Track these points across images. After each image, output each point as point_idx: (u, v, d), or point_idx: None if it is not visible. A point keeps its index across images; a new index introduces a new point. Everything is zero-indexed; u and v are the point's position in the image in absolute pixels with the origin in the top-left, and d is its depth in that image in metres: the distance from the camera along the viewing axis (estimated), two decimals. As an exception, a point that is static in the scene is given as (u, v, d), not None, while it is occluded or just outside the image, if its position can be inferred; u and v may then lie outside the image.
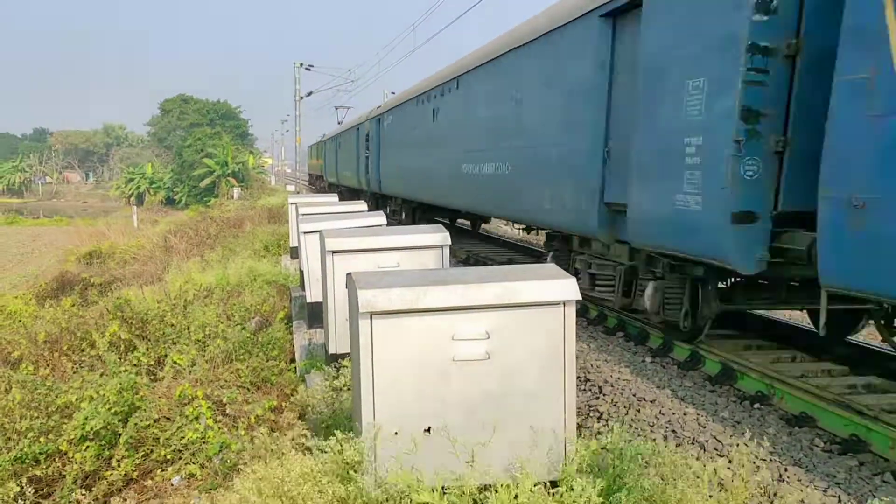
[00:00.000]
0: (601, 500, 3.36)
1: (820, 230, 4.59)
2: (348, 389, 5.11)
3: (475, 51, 12.78)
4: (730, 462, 4.21)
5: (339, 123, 35.15)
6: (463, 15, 19.77)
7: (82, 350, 7.94)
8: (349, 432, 3.71)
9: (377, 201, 22.12)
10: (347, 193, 26.69)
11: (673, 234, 6.15)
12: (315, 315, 7.84)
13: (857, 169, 4.33)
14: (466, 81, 12.55)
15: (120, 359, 6.89)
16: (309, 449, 3.91)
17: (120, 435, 5.65)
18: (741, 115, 5.19)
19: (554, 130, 8.75)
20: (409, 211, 18.70)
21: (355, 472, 3.47)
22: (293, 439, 4.22)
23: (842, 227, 4.43)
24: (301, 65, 39.57)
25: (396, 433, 3.56)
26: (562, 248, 9.33)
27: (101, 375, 6.38)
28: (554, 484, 3.57)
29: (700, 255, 5.89)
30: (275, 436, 4.46)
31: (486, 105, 11.44)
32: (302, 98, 39.79)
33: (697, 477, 3.58)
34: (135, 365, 6.88)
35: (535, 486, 3.38)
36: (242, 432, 5.40)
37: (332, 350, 6.07)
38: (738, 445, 3.88)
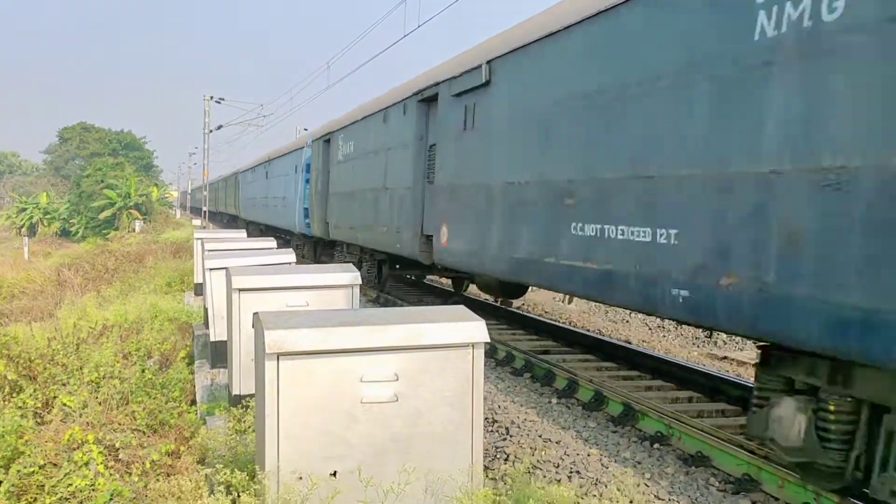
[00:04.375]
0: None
1: None
2: (252, 432, 4.95)
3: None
4: (630, 502, 4.31)
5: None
6: (378, 56, 20.07)
7: (-39, 391, 7.38)
8: (250, 477, 3.59)
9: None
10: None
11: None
12: (219, 354, 7.60)
13: None
14: None
15: (3, 401, 6.45)
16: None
17: (1, 483, 5.26)
18: None
19: None
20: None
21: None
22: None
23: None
24: (211, 98, 38.81)
25: (301, 478, 3.47)
26: None
27: (-18, 419, 5.96)
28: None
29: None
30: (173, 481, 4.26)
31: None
32: (211, 131, 38.94)
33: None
34: (20, 407, 6.46)
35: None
36: (136, 479, 5.14)
37: (235, 391, 5.89)
38: (638, 486, 3.98)
